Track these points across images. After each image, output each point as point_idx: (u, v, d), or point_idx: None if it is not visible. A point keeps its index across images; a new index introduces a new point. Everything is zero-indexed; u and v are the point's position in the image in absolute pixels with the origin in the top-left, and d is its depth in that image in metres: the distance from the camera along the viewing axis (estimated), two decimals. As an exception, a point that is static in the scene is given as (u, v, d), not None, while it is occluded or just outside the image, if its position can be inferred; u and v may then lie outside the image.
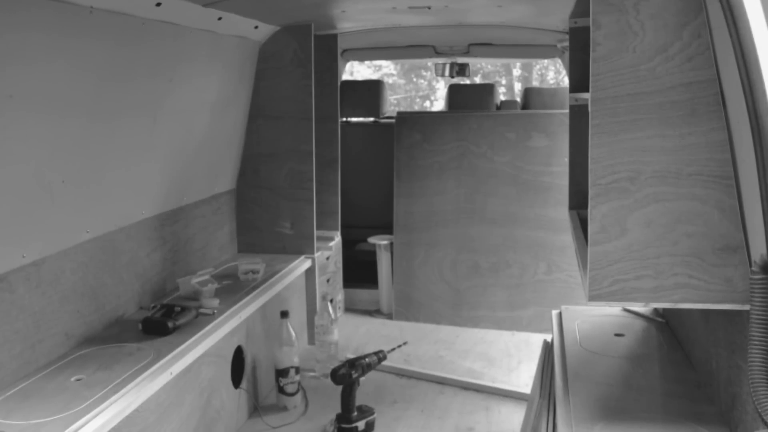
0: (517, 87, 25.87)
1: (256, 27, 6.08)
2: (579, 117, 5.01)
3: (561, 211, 6.68)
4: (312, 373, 6.12)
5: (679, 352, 4.11)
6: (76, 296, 4.49)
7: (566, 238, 6.86)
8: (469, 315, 7.49)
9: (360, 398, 5.18)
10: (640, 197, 3.22)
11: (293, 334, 5.52)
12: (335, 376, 5.06)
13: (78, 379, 3.98)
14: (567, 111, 5.34)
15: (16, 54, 3.61)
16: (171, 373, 4.25)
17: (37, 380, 3.95)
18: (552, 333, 4.67)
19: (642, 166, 3.21)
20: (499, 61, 22.26)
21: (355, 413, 5.11)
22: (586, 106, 3.36)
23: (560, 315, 4.79)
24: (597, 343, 4.22)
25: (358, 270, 8.30)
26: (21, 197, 3.91)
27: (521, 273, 7.40)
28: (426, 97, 27.75)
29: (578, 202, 5.09)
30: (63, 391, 3.83)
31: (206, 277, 5.55)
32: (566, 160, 5.49)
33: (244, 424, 5.35)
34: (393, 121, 8.14)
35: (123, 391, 3.86)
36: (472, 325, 7.42)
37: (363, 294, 8.16)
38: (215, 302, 5.20)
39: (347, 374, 5.04)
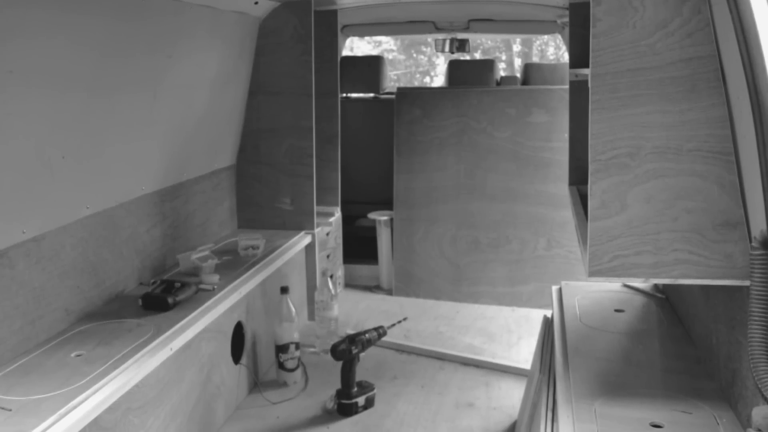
0: (517, 63, 25.83)
1: (256, 2, 6.06)
2: (579, 92, 5.01)
3: (561, 187, 6.68)
4: (312, 349, 6.12)
5: (679, 327, 4.11)
6: (76, 272, 4.49)
7: (566, 213, 6.86)
8: (469, 291, 7.49)
9: (360, 374, 5.19)
10: (640, 173, 3.22)
11: (293, 309, 5.53)
12: (335, 351, 5.06)
13: (78, 355, 3.99)
14: (567, 87, 5.34)
15: (16, 29, 3.60)
16: (171, 349, 4.25)
17: (37, 356, 3.95)
18: (552, 309, 4.67)
19: (642, 141, 3.20)
20: (499, 37, 22.23)
21: (355, 389, 5.12)
22: (586, 81, 3.35)
23: (560, 291, 4.79)
24: (597, 319, 4.23)
25: (358, 246, 8.30)
26: (21, 173, 3.90)
27: (521, 249, 7.40)
28: (426, 73, 27.71)
29: (578, 177, 5.09)
30: (63, 367, 3.84)
31: (206, 252, 5.55)
32: (566, 135, 5.49)
33: (244, 399, 5.36)
34: (393, 96, 8.13)
35: (123, 366, 3.86)
36: (472, 300, 7.42)
37: (363, 270, 8.16)
38: (215, 278, 5.20)
39: (347, 350, 5.04)
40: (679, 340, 3.95)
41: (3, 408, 3.33)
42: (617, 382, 3.50)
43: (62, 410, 3.38)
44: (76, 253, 4.49)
